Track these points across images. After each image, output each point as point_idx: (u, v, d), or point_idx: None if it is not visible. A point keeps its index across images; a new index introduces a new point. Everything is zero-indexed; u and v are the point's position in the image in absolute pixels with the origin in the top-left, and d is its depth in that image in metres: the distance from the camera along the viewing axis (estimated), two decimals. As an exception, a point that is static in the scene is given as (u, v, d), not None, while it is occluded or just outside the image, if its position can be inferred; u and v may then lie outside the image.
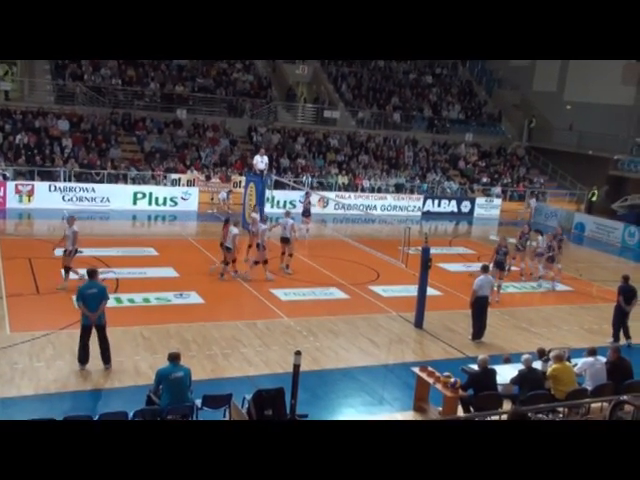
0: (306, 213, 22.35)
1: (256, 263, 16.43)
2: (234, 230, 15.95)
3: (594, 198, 31.28)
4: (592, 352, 10.21)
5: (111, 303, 13.58)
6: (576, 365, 10.15)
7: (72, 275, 14.24)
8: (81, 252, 14.85)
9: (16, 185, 23.35)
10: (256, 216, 17.96)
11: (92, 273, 10.75)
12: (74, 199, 24.02)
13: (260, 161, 23.71)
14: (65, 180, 24.56)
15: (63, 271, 14.34)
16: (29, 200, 23.43)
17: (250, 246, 17.57)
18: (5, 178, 23.66)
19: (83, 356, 10.50)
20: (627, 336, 14.00)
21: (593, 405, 9.18)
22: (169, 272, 16.48)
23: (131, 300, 14.13)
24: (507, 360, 10.96)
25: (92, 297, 10.41)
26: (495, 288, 15.06)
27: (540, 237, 18.70)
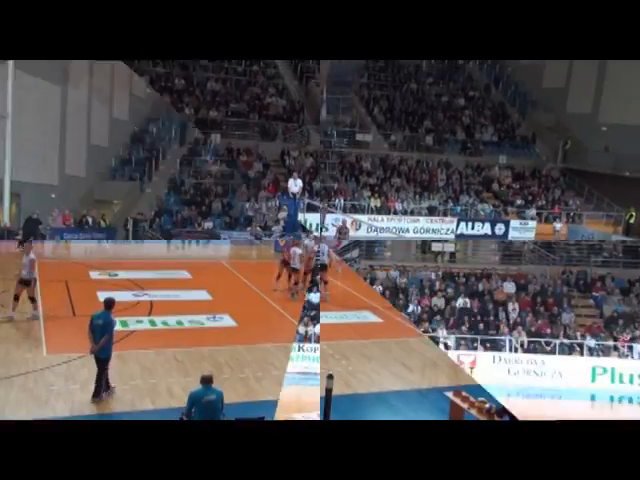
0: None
1: (326, 282, 16.91)
2: (298, 250, 16.62)
3: (632, 220, 30.66)
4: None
5: (145, 325, 13.83)
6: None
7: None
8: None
9: (458, 355, 20.02)
10: (309, 242, 17.94)
11: (107, 304, 10.32)
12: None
13: (294, 184, 23.92)
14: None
15: (30, 300, 13.78)
16: (470, 372, 19.18)
17: (305, 273, 17.40)
18: (446, 347, 20.66)
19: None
20: None
21: None
22: (202, 295, 16.58)
23: (164, 322, 14.22)
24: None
25: (97, 328, 10.09)
26: None
27: None
